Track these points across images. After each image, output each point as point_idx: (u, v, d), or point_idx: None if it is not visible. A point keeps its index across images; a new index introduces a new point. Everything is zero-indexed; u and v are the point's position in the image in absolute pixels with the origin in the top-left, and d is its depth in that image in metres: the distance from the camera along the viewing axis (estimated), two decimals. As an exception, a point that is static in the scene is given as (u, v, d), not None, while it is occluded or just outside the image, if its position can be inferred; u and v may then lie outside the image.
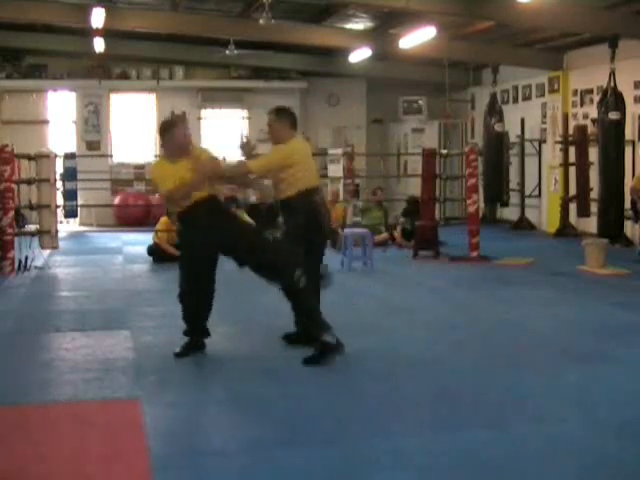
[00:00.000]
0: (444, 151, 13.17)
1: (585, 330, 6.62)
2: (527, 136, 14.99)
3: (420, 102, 17.20)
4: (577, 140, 12.67)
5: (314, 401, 4.80)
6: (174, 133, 5.73)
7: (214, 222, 5.65)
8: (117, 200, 15.71)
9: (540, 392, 4.91)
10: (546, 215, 14.53)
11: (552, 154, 14.16)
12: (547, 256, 11.09)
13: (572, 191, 12.98)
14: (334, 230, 12.33)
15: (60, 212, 11.37)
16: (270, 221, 12.25)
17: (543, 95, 14.67)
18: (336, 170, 15.00)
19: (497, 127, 13.21)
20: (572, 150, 12.95)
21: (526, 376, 5.26)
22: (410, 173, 15.63)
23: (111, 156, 16.46)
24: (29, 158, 10.77)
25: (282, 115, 6.04)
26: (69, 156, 11.46)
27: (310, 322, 5.62)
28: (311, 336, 5.60)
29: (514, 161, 15.02)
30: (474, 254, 10.63)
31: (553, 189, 14.16)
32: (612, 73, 10.52)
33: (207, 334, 5.91)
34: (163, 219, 11.07)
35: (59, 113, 16.89)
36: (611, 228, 10.76)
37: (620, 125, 10.66)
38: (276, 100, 17.22)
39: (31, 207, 10.72)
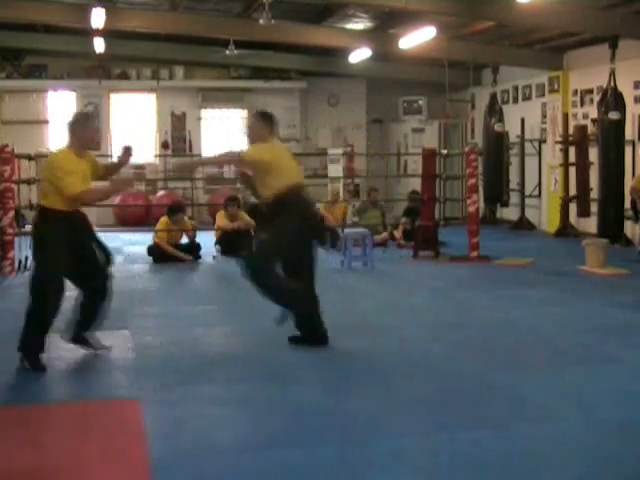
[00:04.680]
0: (444, 151, 13.17)
1: (585, 330, 6.62)
2: (527, 136, 14.99)
3: (420, 102, 17.21)
4: (577, 140, 12.67)
5: (314, 401, 4.80)
6: (89, 125, 5.78)
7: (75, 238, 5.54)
8: (117, 200, 15.71)
9: (540, 392, 4.91)
10: (546, 215, 14.53)
11: (552, 154, 14.16)
12: (547, 256, 11.09)
13: (572, 191, 12.97)
14: (334, 230, 12.36)
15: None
16: (271, 221, 12.28)
17: (543, 95, 14.67)
18: (336, 170, 15.03)
19: (497, 127, 13.21)
20: (572, 150, 12.95)
21: (526, 376, 5.25)
22: (410, 173, 15.64)
23: (111, 156, 16.46)
24: (29, 158, 10.77)
25: (265, 119, 6.15)
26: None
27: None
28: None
29: (514, 161, 15.03)
30: (474, 254, 10.63)
31: (553, 189, 14.17)
32: (612, 73, 10.53)
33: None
34: (163, 219, 11.09)
35: (59, 113, 16.89)
36: (611, 228, 10.76)
37: (620, 125, 10.67)
38: (276, 100, 17.32)
39: (31, 207, 10.70)
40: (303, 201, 6.04)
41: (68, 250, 5.46)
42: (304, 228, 5.95)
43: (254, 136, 6.15)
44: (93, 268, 5.67)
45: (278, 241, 5.90)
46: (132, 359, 5.77)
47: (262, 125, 6.11)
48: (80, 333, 5.80)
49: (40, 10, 12.71)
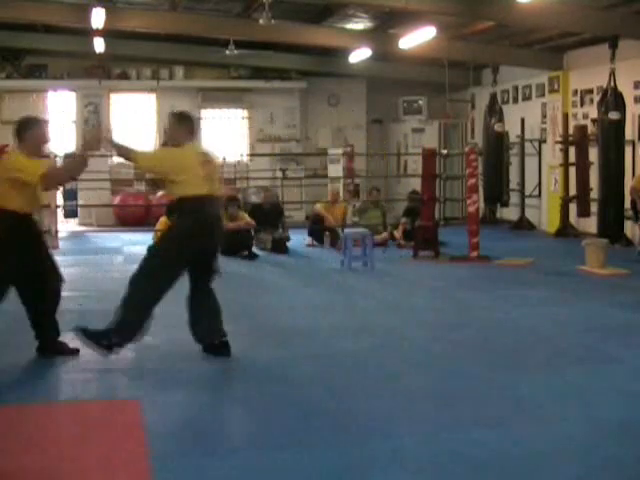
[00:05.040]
0: (444, 151, 13.17)
1: (585, 330, 6.62)
2: (527, 136, 14.99)
3: (420, 102, 17.21)
4: (577, 140, 12.66)
5: (314, 401, 4.80)
6: (35, 131, 5.61)
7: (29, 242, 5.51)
8: (117, 200, 15.71)
9: (540, 392, 4.91)
10: (546, 215, 14.53)
11: (552, 154, 14.16)
12: (547, 256, 11.09)
13: (572, 191, 12.97)
14: (334, 230, 12.38)
15: (60, 212, 11.37)
16: (272, 221, 12.29)
17: (543, 95, 14.67)
18: (336, 170, 15.04)
19: (497, 127, 13.21)
20: (572, 150, 12.95)
21: (526, 376, 5.26)
22: (410, 173, 15.64)
23: (111, 156, 16.44)
24: (29, 158, 10.75)
25: (182, 120, 5.86)
26: (69, 156, 11.47)
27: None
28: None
29: (514, 161, 15.02)
30: (474, 254, 10.62)
31: (553, 189, 14.17)
32: (612, 73, 10.53)
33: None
34: (163, 219, 11.07)
35: (59, 113, 16.89)
36: (611, 228, 10.76)
37: (620, 125, 10.67)
38: (276, 100, 17.35)
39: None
40: (203, 213, 5.58)
41: (20, 253, 5.47)
42: (194, 241, 5.59)
43: (170, 138, 5.89)
44: (42, 272, 5.69)
45: (165, 251, 5.78)
46: (132, 359, 5.77)
47: (178, 127, 5.79)
48: (53, 340, 5.81)
49: (40, 10, 12.70)
